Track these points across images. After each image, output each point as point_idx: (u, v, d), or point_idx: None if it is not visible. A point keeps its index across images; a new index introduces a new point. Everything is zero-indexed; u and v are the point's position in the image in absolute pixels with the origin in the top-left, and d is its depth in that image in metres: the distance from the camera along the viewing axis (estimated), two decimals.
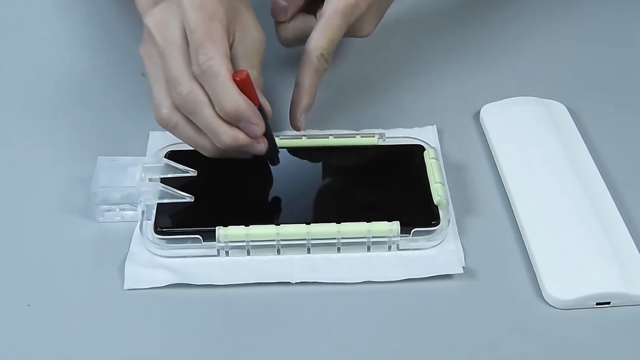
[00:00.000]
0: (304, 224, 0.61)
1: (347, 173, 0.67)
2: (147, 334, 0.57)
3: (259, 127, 0.61)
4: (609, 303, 0.58)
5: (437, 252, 0.61)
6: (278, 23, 0.71)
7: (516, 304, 0.58)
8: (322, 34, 0.68)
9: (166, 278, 0.59)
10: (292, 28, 0.71)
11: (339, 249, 0.61)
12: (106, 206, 0.63)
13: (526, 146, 0.68)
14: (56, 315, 0.57)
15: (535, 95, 0.74)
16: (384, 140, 0.68)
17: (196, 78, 0.60)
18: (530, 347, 0.56)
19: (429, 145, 0.68)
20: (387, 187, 0.65)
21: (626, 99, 0.76)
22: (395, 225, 0.61)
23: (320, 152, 0.68)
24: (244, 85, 0.60)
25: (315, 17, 0.70)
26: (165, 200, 0.63)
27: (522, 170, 0.66)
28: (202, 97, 0.60)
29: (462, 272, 0.59)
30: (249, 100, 0.60)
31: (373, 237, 0.61)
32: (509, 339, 0.56)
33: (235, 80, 0.60)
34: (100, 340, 0.56)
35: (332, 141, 0.68)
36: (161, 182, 0.63)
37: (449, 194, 0.65)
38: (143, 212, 0.62)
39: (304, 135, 0.68)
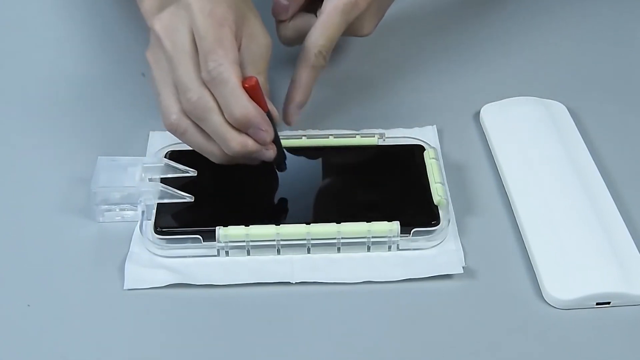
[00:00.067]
0: (304, 224, 0.61)
1: (347, 173, 0.67)
2: (147, 334, 0.57)
3: (268, 134, 0.61)
4: (609, 303, 0.58)
5: (437, 252, 0.61)
6: (279, 22, 0.71)
7: (516, 304, 0.58)
8: (321, 31, 0.68)
9: (166, 278, 0.59)
10: (292, 27, 0.71)
11: (339, 249, 0.61)
12: (106, 206, 0.63)
13: (526, 146, 0.68)
14: (56, 315, 0.57)
15: (535, 95, 0.74)
16: (384, 140, 0.68)
17: (205, 84, 0.60)
18: (530, 347, 0.56)
19: (429, 145, 0.68)
20: (387, 187, 0.65)
21: (626, 99, 0.76)
22: (395, 225, 0.61)
23: (320, 152, 0.68)
24: (253, 92, 0.60)
25: (316, 15, 0.70)
26: (165, 200, 0.63)
27: (522, 170, 0.66)
28: (211, 103, 0.60)
29: (462, 272, 0.59)
30: (258, 107, 0.60)
31: (373, 237, 0.61)
32: (509, 339, 0.56)
33: (244, 87, 0.60)
34: (100, 340, 0.56)
35: (332, 141, 0.68)
36: (161, 182, 0.63)
37: (449, 194, 0.65)
38: (143, 212, 0.62)
39: (304, 135, 0.68)
